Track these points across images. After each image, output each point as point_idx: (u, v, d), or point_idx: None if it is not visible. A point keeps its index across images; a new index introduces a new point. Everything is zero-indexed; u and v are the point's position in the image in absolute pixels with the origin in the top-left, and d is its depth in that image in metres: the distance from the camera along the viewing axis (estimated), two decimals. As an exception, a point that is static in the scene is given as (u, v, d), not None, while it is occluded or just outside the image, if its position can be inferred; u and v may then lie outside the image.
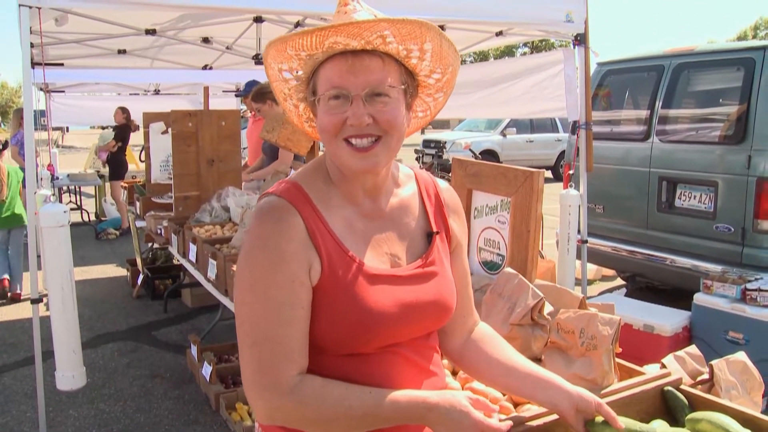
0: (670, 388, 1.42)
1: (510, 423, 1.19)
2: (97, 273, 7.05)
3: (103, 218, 10.03)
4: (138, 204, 5.73)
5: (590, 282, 6.15)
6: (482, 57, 29.75)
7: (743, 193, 4.34)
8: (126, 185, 6.92)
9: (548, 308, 1.81)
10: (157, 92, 9.60)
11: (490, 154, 15.04)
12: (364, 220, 1.23)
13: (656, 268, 4.98)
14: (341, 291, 1.15)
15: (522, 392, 1.30)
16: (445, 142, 15.19)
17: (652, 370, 1.57)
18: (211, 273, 3.44)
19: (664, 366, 1.68)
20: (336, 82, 1.13)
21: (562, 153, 13.75)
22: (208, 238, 3.82)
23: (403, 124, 1.18)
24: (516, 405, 1.63)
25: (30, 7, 2.94)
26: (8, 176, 6.01)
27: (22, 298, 6.01)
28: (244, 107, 7.18)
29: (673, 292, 5.25)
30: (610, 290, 6.09)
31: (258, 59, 4.92)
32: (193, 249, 3.86)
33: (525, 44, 33.29)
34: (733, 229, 4.43)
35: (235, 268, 1.22)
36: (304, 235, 1.15)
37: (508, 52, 33.46)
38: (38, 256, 3.33)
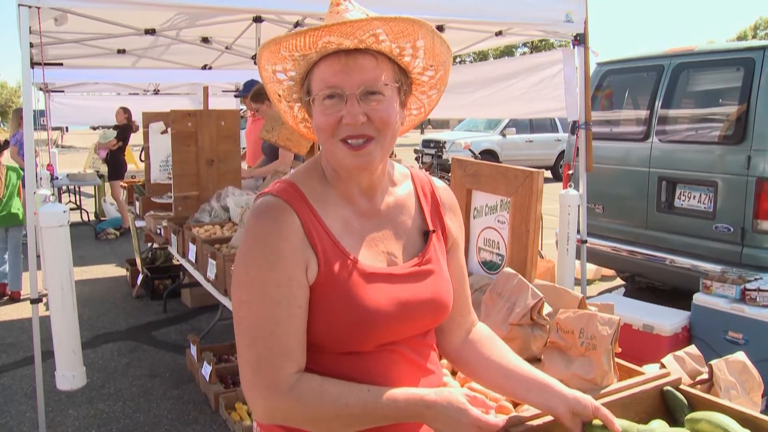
0: (669, 388, 1.42)
1: (506, 418, 1.19)
2: (97, 273, 7.05)
3: (102, 218, 10.03)
4: (137, 204, 5.73)
5: (590, 282, 6.15)
6: (482, 57, 29.75)
7: (743, 194, 4.34)
8: (126, 185, 6.92)
9: (547, 308, 1.81)
10: (156, 92, 9.61)
11: (489, 154, 15.04)
12: (360, 219, 1.24)
13: (656, 268, 4.98)
14: (338, 289, 1.15)
15: (518, 395, 1.30)
16: (445, 142, 15.18)
17: (651, 370, 1.57)
18: (211, 273, 3.44)
19: (663, 366, 1.68)
20: (330, 81, 1.13)
21: (562, 153, 13.76)
22: (208, 238, 3.82)
23: (397, 122, 1.19)
24: (515, 405, 1.63)
25: (29, 7, 2.94)
26: (6, 175, 6.00)
27: (21, 297, 6.01)
28: (244, 107, 7.18)
29: (673, 292, 5.25)
30: (610, 290, 6.09)
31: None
32: (192, 249, 3.86)
33: (525, 44, 33.29)
34: (732, 229, 4.43)
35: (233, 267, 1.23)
36: (301, 234, 1.15)
37: (508, 52, 33.44)
38: (38, 256, 3.33)
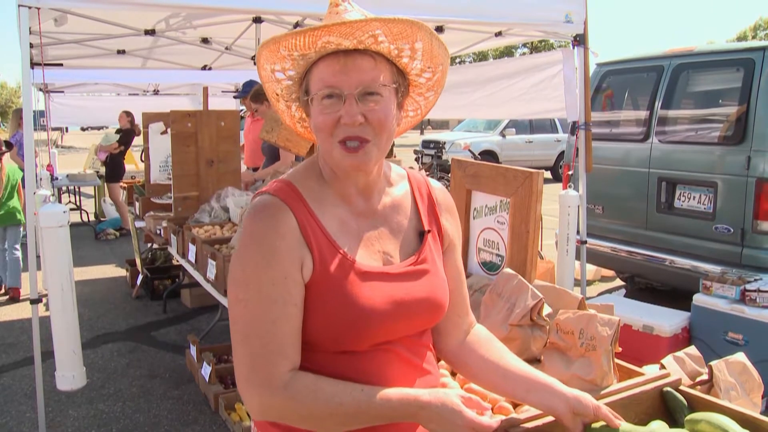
0: (669, 388, 1.42)
1: (502, 417, 1.19)
2: (97, 273, 7.05)
3: (102, 218, 10.03)
4: (137, 204, 5.73)
5: (589, 283, 6.15)
6: (482, 57, 29.74)
7: (742, 194, 4.34)
8: (125, 185, 6.92)
9: (547, 309, 1.81)
10: (156, 92, 9.60)
11: (489, 155, 15.05)
12: (357, 219, 1.24)
13: (655, 269, 4.98)
14: (333, 288, 1.16)
15: (518, 395, 1.29)
16: (445, 143, 15.19)
17: (651, 370, 1.57)
18: (211, 273, 3.44)
19: (663, 367, 1.68)
20: (329, 81, 1.14)
21: (562, 153, 13.76)
22: (208, 238, 3.82)
23: (393, 123, 1.20)
24: (515, 406, 1.63)
25: (29, 8, 2.94)
26: (6, 175, 6.03)
27: (21, 297, 6.01)
28: (243, 108, 7.18)
29: (673, 292, 5.25)
30: (610, 291, 6.09)
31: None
32: (192, 249, 3.86)
33: (524, 45, 33.29)
34: (732, 230, 4.43)
35: (232, 267, 1.24)
36: (297, 232, 1.16)
37: (508, 52, 33.44)
38: (38, 257, 3.33)
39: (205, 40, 5.84)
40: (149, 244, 5.56)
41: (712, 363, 1.70)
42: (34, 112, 3.28)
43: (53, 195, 4.18)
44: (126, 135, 9.12)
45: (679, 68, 4.98)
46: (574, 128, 4.63)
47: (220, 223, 4.20)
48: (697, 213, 4.69)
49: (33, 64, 3.66)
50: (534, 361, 1.70)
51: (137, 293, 6.12)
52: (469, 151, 13.90)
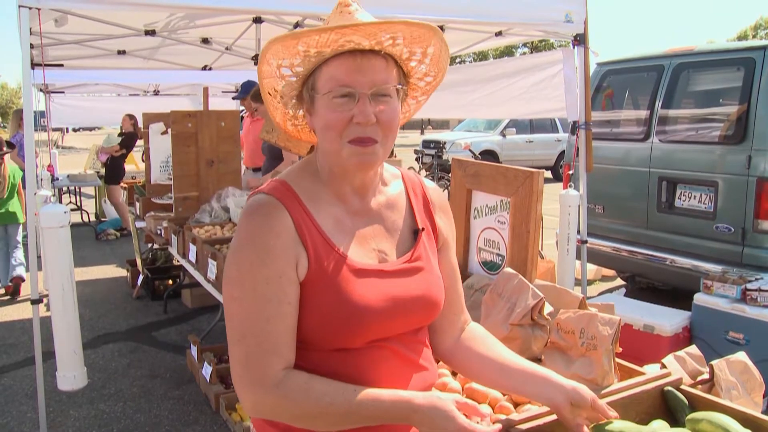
0: (670, 388, 1.42)
1: (499, 427, 1.18)
2: (97, 273, 7.05)
3: (103, 219, 10.04)
4: (138, 205, 5.74)
5: (590, 282, 6.15)
6: (482, 57, 29.73)
7: (743, 193, 4.34)
8: (126, 186, 6.92)
9: (548, 308, 1.81)
10: (156, 93, 9.60)
11: (489, 155, 15.05)
12: (352, 218, 1.25)
13: (656, 269, 4.98)
14: (328, 285, 1.16)
15: (516, 389, 1.30)
16: (445, 143, 15.19)
17: (652, 370, 1.57)
18: (211, 273, 3.44)
19: (664, 366, 1.68)
20: (343, 80, 1.14)
21: (562, 153, 13.75)
22: (208, 238, 3.82)
23: (398, 124, 1.22)
24: (516, 405, 1.63)
25: (30, 8, 2.94)
26: (9, 175, 6.12)
27: (22, 294, 6.07)
28: (243, 108, 7.19)
29: (673, 292, 5.25)
30: (610, 290, 6.09)
31: (258, 60, 4.93)
32: (192, 249, 3.86)
33: (524, 44, 33.28)
34: (733, 229, 4.43)
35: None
36: (292, 231, 1.16)
37: (508, 52, 33.44)
38: (38, 257, 3.33)
39: (205, 41, 5.83)
40: (150, 245, 5.57)
41: (713, 362, 1.69)
42: (34, 112, 3.29)
43: (54, 195, 4.19)
44: (128, 138, 9.11)
45: (680, 68, 4.98)
46: (574, 128, 4.63)
47: (221, 224, 4.20)
48: (698, 212, 4.69)
49: (33, 65, 3.67)
50: (535, 360, 1.70)
51: (138, 293, 6.12)
52: (470, 150, 13.91)
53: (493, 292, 1.93)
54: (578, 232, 4.32)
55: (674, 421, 1.37)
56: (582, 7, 4.14)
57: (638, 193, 5.11)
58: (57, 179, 6.29)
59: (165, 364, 4.52)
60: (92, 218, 10.46)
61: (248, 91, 5.52)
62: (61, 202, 8.32)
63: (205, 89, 5.75)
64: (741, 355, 1.75)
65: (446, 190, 10.09)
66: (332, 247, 1.19)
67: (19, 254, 6.24)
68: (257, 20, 4.55)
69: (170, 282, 6.05)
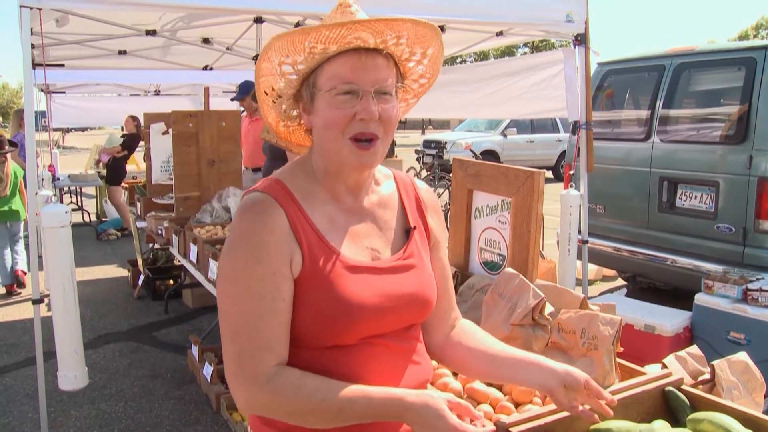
0: (671, 388, 1.42)
1: (492, 428, 1.18)
2: (98, 273, 7.05)
3: (104, 219, 10.04)
4: (139, 205, 5.74)
5: (591, 282, 6.14)
6: (482, 57, 29.74)
7: (744, 193, 4.34)
8: (127, 186, 6.93)
9: (549, 308, 1.81)
10: (157, 93, 9.60)
11: (490, 155, 15.04)
12: (345, 216, 1.26)
13: (657, 269, 4.98)
14: (322, 282, 1.17)
15: (508, 378, 1.31)
16: (446, 143, 15.19)
17: (653, 370, 1.57)
18: (212, 273, 3.45)
19: (665, 366, 1.68)
20: (347, 77, 1.15)
21: (563, 153, 13.73)
22: (209, 238, 3.82)
23: (397, 122, 1.23)
24: (517, 405, 1.63)
25: (31, 8, 2.95)
26: (12, 173, 6.20)
27: (21, 293, 6.14)
28: (242, 108, 7.19)
29: (674, 292, 5.24)
30: (611, 290, 6.09)
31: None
32: (193, 249, 3.86)
33: (525, 44, 33.28)
34: (734, 230, 4.43)
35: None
36: (287, 228, 1.17)
37: (509, 52, 33.43)
38: (39, 257, 3.33)
39: (206, 41, 5.84)
40: (151, 245, 5.57)
41: (714, 362, 1.69)
42: (35, 112, 3.29)
43: (55, 195, 4.19)
44: (130, 139, 9.11)
45: (681, 67, 4.98)
46: (575, 128, 4.63)
47: (222, 223, 4.20)
48: (699, 212, 4.68)
49: (34, 65, 3.67)
50: (536, 360, 1.70)
51: (139, 293, 6.13)
52: (471, 150, 13.89)
53: (494, 292, 1.93)
54: (579, 232, 4.32)
55: (675, 422, 1.37)
56: (583, 7, 4.13)
57: (639, 193, 5.11)
58: (58, 179, 6.31)
59: (166, 364, 4.52)
60: (93, 218, 10.46)
61: (247, 92, 5.52)
62: (62, 202, 8.32)
63: (206, 89, 5.75)
64: (742, 355, 1.75)
65: (447, 190, 10.09)
66: (326, 245, 1.20)
67: (20, 248, 6.35)
68: (258, 20, 4.55)
69: (171, 282, 6.06)
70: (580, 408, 1.21)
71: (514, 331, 1.78)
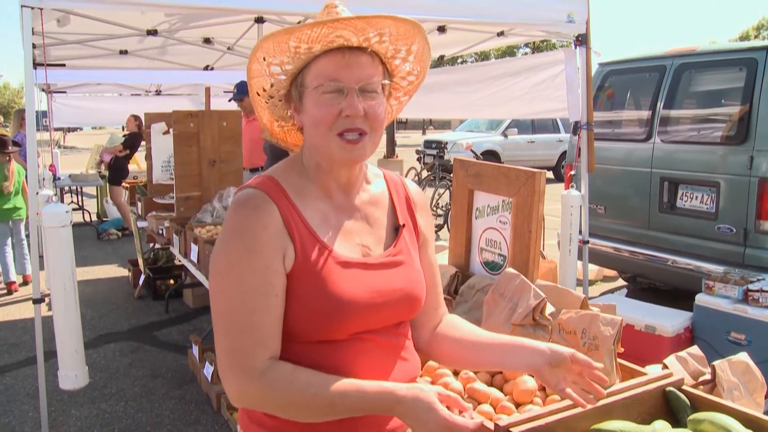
0: (672, 388, 1.42)
1: (480, 420, 1.19)
2: (99, 273, 7.06)
3: (104, 218, 10.04)
4: (140, 204, 5.74)
5: (592, 282, 6.14)
6: (483, 57, 29.73)
7: (745, 194, 4.33)
8: (128, 185, 6.93)
9: (550, 309, 1.81)
10: (158, 93, 9.60)
11: (491, 155, 15.05)
12: (337, 213, 1.27)
13: (658, 269, 4.98)
14: (314, 277, 1.18)
15: (495, 363, 1.33)
16: (447, 143, 15.18)
17: (653, 370, 1.57)
18: (213, 273, 3.44)
19: (666, 366, 1.68)
20: (332, 75, 1.17)
21: (564, 153, 13.75)
22: (210, 238, 3.82)
23: (385, 120, 1.25)
24: (517, 405, 1.62)
25: (32, 8, 2.95)
26: (16, 172, 6.29)
27: (20, 290, 6.19)
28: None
29: (675, 292, 5.24)
30: (612, 291, 6.09)
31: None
32: (194, 249, 3.86)
33: (526, 44, 33.26)
34: (735, 230, 4.42)
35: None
36: (280, 223, 1.18)
37: (510, 52, 33.43)
38: (40, 257, 3.33)
39: (207, 41, 5.84)
40: (151, 244, 5.57)
41: (715, 363, 1.69)
42: (36, 112, 3.29)
43: (56, 195, 4.19)
44: (132, 139, 9.11)
45: (682, 68, 4.98)
46: (576, 128, 4.63)
47: (222, 223, 4.20)
48: (700, 213, 4.68)
49: (36, 65, 3.67)
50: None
51: (139, 293, 6.13)
52: (471, 151, 13.87)
53: (495, 292, 1.93)
54: (580, 232, 4.32)
55: (676, 422, 1.37)
56: (584, 7, 4.13)
57: (640, 193, 5.11)
58: (59, 179, 6.36)
59: (166, 363, 4.53)
60: (94, 218, 10.47)
61: (244, 92, 5.51)
62: (62, 201, 8.33)
63: (207, 89, 5.75)
64: (743, 356, 1.75)
65: (448, 191, 10.07)
66: (318, 241, 1.21)
67: (26, 251, 6.42)
68: (259, 20, 4.55)
69: (172, 282, 6.06)
70: (567, 391, 1.20)
71: (514, 332, 1.78)
